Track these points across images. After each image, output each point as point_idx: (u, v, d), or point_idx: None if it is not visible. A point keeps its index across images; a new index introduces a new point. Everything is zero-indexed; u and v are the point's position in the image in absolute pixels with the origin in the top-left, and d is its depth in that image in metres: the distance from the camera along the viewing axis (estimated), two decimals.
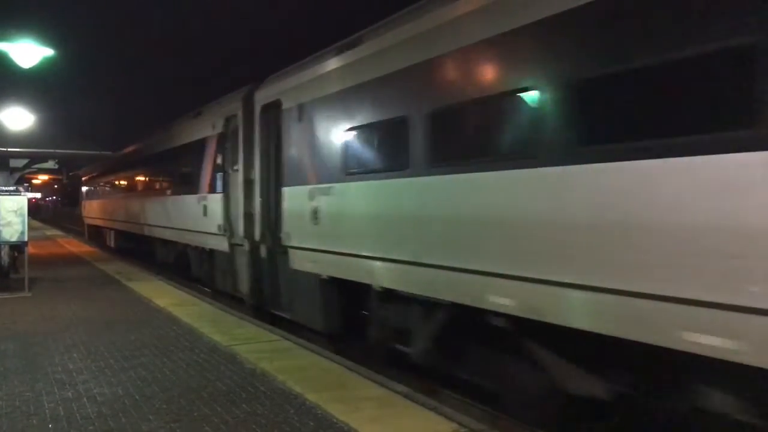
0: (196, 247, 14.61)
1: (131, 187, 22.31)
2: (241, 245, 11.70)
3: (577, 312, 4.89)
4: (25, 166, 23.48)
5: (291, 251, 9.74)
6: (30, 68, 11.23)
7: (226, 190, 12.45)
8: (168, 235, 16.78)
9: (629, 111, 4.58)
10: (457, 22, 6.29)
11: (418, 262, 6.69)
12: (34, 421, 5.42)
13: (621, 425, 5.41)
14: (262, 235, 10.90)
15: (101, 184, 29.12)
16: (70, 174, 48.51)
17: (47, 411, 5.66)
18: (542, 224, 5.17)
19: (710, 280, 3.95)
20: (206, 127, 13.81)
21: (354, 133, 8.11)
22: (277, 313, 10.68)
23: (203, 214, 13.62)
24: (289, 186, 9.83)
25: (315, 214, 8.85)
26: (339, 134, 8.40)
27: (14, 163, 23.13)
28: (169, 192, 17.06)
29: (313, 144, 9.14)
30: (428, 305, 6.83)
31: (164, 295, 12.62)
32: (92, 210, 31.61)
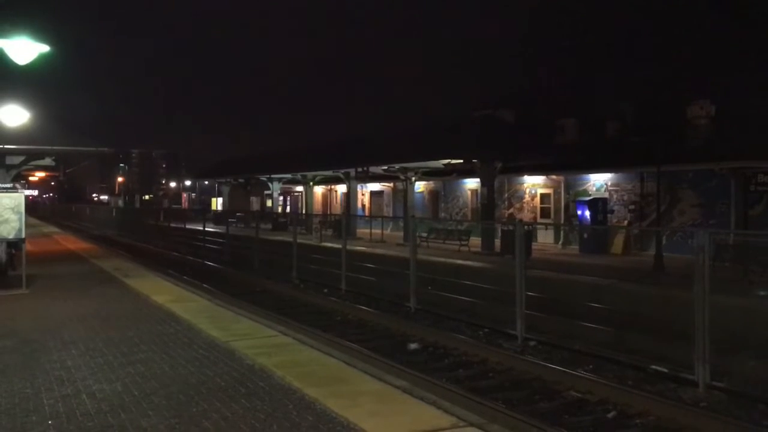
0: None
1: None
2: None
3: None
4: (22, 163, 23.41)
5: None
6: (26, 65, 11.17)
7: None
8: None
9: None
10: None
11: None
12: (34, 417, 5.42)
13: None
14: None
15: None
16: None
17: (47, 408, 5.66)
18: None
19: None
20: None
21: None
22: None
23: None
24: None
25: None
26: None
27: (10, 160, 23.05)
28: None
29: None
30: None
31: (162, 292, 12.62)
32: None
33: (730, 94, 23.90)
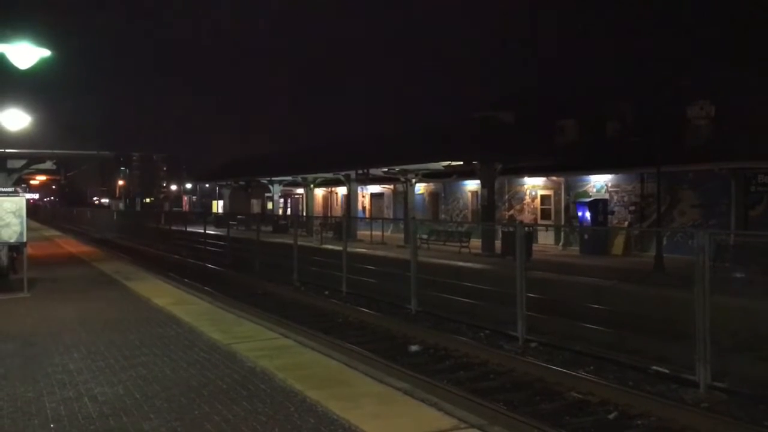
0: None
1: None
2: None
3: None
4: (23, 167, 23.46)
5: None
6: (27, 69, 11.21)
7: None
8: None
9: None
10: None
11: None
12: (36, 421, 5.44)
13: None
14: None
15: None
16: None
17: (48, 411, 5.68)
18: None
19: None
20: None
21: None
22: None
23: None
24: None
25: None
26: None
27: (12, 164, 23.11)
28: None
29: None
30: None
31: (163, 295, 12.64)
32: None
33: (730, 94, 23.89)
